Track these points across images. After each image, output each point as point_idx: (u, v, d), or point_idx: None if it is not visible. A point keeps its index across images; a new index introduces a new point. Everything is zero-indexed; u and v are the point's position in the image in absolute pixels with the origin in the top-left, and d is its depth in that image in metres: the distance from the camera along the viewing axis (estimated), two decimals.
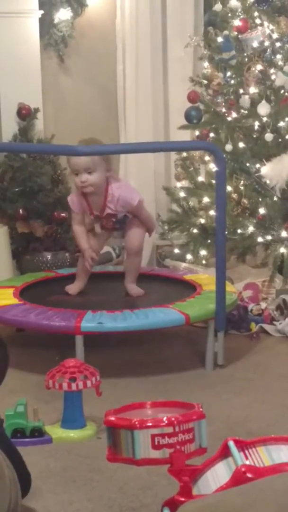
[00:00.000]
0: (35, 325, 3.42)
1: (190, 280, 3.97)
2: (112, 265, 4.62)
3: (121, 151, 3.50)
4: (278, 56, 4.28)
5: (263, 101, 4.20)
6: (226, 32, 4.42)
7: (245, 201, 4.36)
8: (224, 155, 4.03)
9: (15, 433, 2.76)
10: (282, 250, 4.18)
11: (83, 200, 3.70)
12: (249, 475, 1.83)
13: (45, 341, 3.77)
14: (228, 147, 4.32)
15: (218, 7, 4.55)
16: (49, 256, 4.64)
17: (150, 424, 1.98)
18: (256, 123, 4.32)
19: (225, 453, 2.00)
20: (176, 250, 4.73)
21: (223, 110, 4.46)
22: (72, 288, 3.82)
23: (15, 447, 2.16)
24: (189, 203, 4.72)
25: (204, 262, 4.53)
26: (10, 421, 2.76)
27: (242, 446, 1.99)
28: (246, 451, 1.97)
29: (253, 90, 4.27)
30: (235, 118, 4.39)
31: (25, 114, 4.75)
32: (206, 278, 3.96)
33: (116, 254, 4.91)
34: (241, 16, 4.41)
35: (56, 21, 4.95)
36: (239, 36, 4.37)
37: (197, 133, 4.69)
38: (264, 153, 4.29)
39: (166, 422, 1.97)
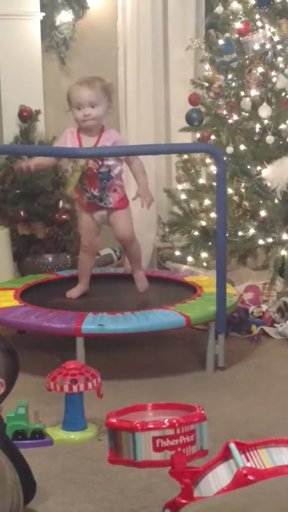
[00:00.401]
0: (36, 327, 3.42)
1: (190, 282, 3.97)
2: (113, 267, 4.62)
3: (121, 153, 3.49)
4: (279, 59, 4.29)
5: (264, 104, 4.20)
6: (227, 34, 4.43)
7: (246, 203, 4.36)
8: (225, 158, 4.04)
9: (16, 435, 2.76)
10: (283, 252, 4.18)
11: (75, 139, 3.64)
12: (250, 477, 1.83)
13: (46, 343, 3.77)
14: (229, 149, 4.32)
15: (219, 9, 4.55)
16: (50, 258, 4.64)
17: (151, 426, 1.98)
18: (257, 126, 4.32)
19: (226, 455, 2.00)
20: (177, 252, 4.73)
21: (224, 112, 4.46)
22: (74, 292, 3.79)
23: (21, 454, 2.15)
24: (190, 205, 4.72)
25: (205, 264, 4.53)
26: (11, 423, 2.76)
27: (244, 448, 1.99)
28: (247, 454, 1.97)
29: (254, 92, 4.27)
30: (236, 121, 4.40)
31: (26, 116, 4.75)
32: (206, 280, 3.96)
33: (117, 256, 4.91)
34: (242, 19, 4.41)
35: (57, 23, 4.95)
36: (240, 38, 4.37)
37: (198, 135, 4.70)
38: (265, 155, 4.29)
39: (168, 424, 1.98)
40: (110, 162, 3.61)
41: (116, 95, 5.14)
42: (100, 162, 3.61)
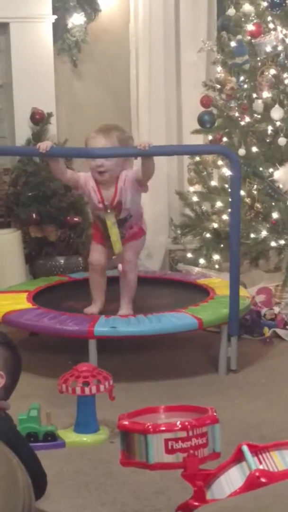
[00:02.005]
0: (49, 330, 3.43)
1: (203, 285, 3.96)
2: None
3: (134, 154, 3.48)
4: None
5: (277, 106, 4.19)
6: (239, 36, 4.42)
7: (258, 205, 4.35)
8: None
9: (28, 437, 2.76)
10: None
11: (92, 181, 3.54)
12: (263, 479, 1.83)
13: (58, 345, 3.77)
14: (241, 151, 4.31)
15: (231, 11, 4.54)
16: (62, 261, 4.65)
17: (163, 428, 1.98)
18: (269, 128, 4.31)
19: (238, 457, 2.00)
20: (189, 255, 4.72)
21: (236, 114, 4.45)
22: (92, 309, 3.64)
23: (31, 448, 2.16)
24: (202, 207, 4.71)
25: (217, 266, 4.52)
26: (23, 425, 2.77)
27: (256, 450, 1.99)
28: (260, 456, 1.97)
29: (266, 94, 4.26)
30: (248, 123, 4.39)
31: (39, 119, 4.76)
32: (219, 282, 3.96)
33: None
34: (254, 21, 4.40)
35: (69, 26, 4.96)
36: (252, 40, 4.36)
37: (210, 137, 4.69)
38: (277, 157, 4.28)
39: (180, 426, 1.98)
40: (128, 203, 3.56)
41: (128, 97, 5.16)
42: (120, 212, 3.57)
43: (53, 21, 4.84)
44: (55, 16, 4.85)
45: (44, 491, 2.22)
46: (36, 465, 2.16)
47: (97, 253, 3.69)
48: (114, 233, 3.58)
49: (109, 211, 3.56)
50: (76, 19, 4.97)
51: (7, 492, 1.74)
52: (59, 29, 4.94)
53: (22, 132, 4.77)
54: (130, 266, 3.68)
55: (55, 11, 4.84)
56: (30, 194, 4.62)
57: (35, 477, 2.08)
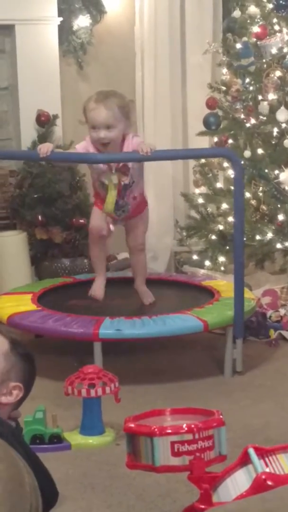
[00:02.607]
0: (53, 332, 3.42)
1: (208, 287, 3.96)
2: (130, 271, 4.61)
3: (138, 158, 3.48)
4: None
5: (282, 107, 4.19)
6: (245, 38, 4.42)
7: (263, 207, 4.35)
8: (243, 162, 4.03)
9: (34, 439, 2.76)
10: None
11: (93, 148, 3.50)
12: (269, 482, 1.82)
13: (63, 347, 3.77)
14: (247, 153, 4.31)
15: (237, 13, 4.55)
16: (67, 262, 4.65)
17: (169, 431, 1.97)
18: (275, 130, 4.31)
19: (245, 460, 1.99)
20: (195, 257, 4.72)
21: (242, 116, 4.45)
22: (97, 290, 3.67)
23: (41, 462, 2.15)
24: (208, 209, 4.71)
25: (222, 268, 4.52)
26: (29, 427, 2.77)
27: (262, 453, 1.98)
28: (266, 459, 1.96)
29: (272, 96, 4.26)
30: (253, 125, 4.39)
31: (44, 121, 4.76)
32: (224, 284, 3.95)
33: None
34: (260, 23, 4.40)
35: (75, 28, 4.96)
36: (258, 42, 4.36)
37: (215, 139, 4.69)
38: (282, 159, 4.28)
39: (186, 429, 1.97)
40: (133, 168, 3.52)
41: (134, 99, 5.15)
42: (128, 174, 3.53)
43: (59, 23, 4.85)
44: (61, 18, 4.85)
45: (52, 506, 2.19)
46: (44, 480, 2.14)
47: (97, 220, 3.68)
48: (112, 195, 3.53)
49: (113, 171, 3.50)
50: (82, 21, 4.98)
51: (14, 495, 1.74)
52: (65, 31, 4.95)
53: (28, 134, 4.77)
54: (141, 247, 3.73)
55: (60, 13, 4.85)
56: (35, 196, 4.62)
57: (46, 492, 2.06)
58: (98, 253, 3.75)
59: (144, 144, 3.42)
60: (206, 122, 4.57)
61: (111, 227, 3.70)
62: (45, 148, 3.41)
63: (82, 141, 3.57)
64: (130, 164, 3.51)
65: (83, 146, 3.55)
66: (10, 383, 2.21)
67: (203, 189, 4.79)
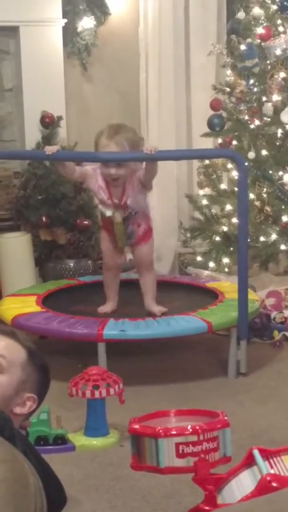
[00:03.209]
0: (58, 333, 3.43)
1: (212, 288, 3.96)
2: (135, 273, 4.62)
3: (142, 158, 3.48)
4: None
5: (286, 109, 4.19)
6: (249, 39, 4.42)
7: (268, 208, 4.34)
8: (247, 163, 4.03)
9: (38, 440, 2.76)
10: None
11: (101, 178, 3.53)
12: (274, 484, 1.82)
13: (67, 348, 3.77)
14: (251, 154, 4.31)
15: (241, 15, 4.54)
16: (71, 264, 4.65)
17: (174, 432, 1.98)
18: (279, 131, 4.31)
19: (249, 461, 1.99)
20: (199, 258, 4.72)
21: (246, 117, 4.45)
22: (105, 309, 3.68)
23: (51, 469, 2.15)
24: (212, 210, 4.71)
25: (226, 270, 4.51)
26: (33, 428, 2.76)
27: (267, 454, 1.98)
28: (271, 460, 1.96)
29: (276, 97, 4.26)
30: (258, 126, 4.38)
31: (48, 122, 4.76)
32: (228, 286, 3.95)
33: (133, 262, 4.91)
34: (264, 24, 4.40)
35: (79, 29, 4.96)
36: (262, 43, 4.36)
37: (219, 140, 4.69)
38: (287, 160, 4.28)
39: (191, 430, 1.97)
40: (134, 204, 3.54)
41: (138, 101, 5.16)
42: (125, 210, 3.56)
43: (63, 24, 4.84)
44: (65, 20, 4.85)
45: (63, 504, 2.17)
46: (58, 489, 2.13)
47: (110, 252, 3.71)
48: (120, 229, 3.58)
49: (115, 212, 3.55)
50: (86, 23, 4.98)
51: (18, 496, 1.74)
52: (69, 33, 4.95)
53: (32, 135, 4.77)
54: (148, 267, 3.71)
55: (65, 14, 4.85)
56: (39, 197, 4.62)
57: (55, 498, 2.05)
58: (112, 280, 3.74)
59: (151, 145, 3.46)
60: (210, 124, 4.57)
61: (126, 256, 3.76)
62: (51, 149, 3.47)
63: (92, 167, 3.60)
64: (129, 202, 3.53)
65: (92, 171, 3.57)
66: (25, 394, 2.20)
67: (207, 191, 4.78)
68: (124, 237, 3.63)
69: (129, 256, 4.63)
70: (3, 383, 2.15)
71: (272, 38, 4.33)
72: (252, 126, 4.41)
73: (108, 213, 3.58)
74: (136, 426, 2.05)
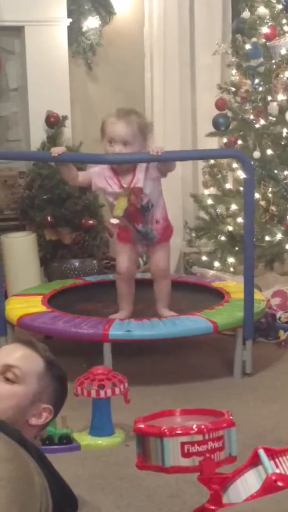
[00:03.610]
0: (63, 333, 3.43)
1: (218, 288, 3.96)
2: (140, 273, 4.62)
3: (147, 159, 3.47)
4: None
5: None
6: (254, 39, 4.41)
7: (273, 208, 4.34)
8: (252, 162, 4.02)
9: (43, 440, 2.76)
10: None
11: (108, 171, 3.50)
12: (280, 483, 1.82)
13: (73, 348, 3.77)
14: (256, 154, 4.30)
15: (246, 14, 4.54)
16: (77, 263, 4.65)
17: (179, 431, 1.97)
18: (284, 130, 4.30)
19: (255, 461, 1.99)
20: (204, 258, 4.71)
21: (251, 117, 4.44)
22: (117, 317, 3.59)
23: (62, 479, 2.14)
24: (217, 210, 4.70)
25: (232, 269, 4.51)
26: None
27: (272, 454, 1.98)
28: (277, 460, 1.96)
29: (281, 97, 4.25)
30: (263, 125, 4.38)
31: (54, 122, 4.76)
32: (234, 285, 3.95)
33: (143, 262, 4.91)
34: (269, 23, 4.40)
35: (84, 29, 4.97)
36: (267, 43, 4.36)
37: (225, 140, 4.68)
38: None
39: (196, 430, 1.97)
40: (148, 190, 3.50)
41: (143, 100, 5.15)
42: (142, 196, 3.50)
43: (68, 24, 4.85)
44: (70, 20, 4.85)
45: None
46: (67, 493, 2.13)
47: (125, 261, 3.65)
48: (122, 201, 3.48)
49: (125, 190, 3.48)
50: (91, 22, 4.98)
51: (23, 495, 1.74)
52: (74, 32, 4.95)
53: (37, 135, 4.78)
54: (164, 274, 3.68)
55: (70, 14, 4.85)
56: (45, 197, 4.63)
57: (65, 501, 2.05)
58: (127, 290, 3.67)
59: (158, 145, 3.44)
60: (215, 123, 4.56)
61: (140, 262, 3.69)
62: (57, 150, 3.45)
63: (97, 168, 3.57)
64: (143, 186, 3.48)
65: (97, 171, 3.54)
66: (41, 405, 2.19)
67: (212, 190, 4.78)
68: (126, 211, 3.49)
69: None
70: (19, 393, 2.14)
71: (277, 38, 4.33)
72: (257, 126, 4.40)
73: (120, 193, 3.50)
74: (142, 426, 2.05)
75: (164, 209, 3.64)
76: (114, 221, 3.51)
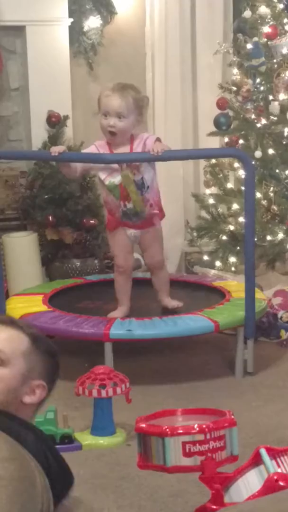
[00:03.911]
0: (64, 332, 3.43)
1: (219, 287, 3.96)
2: (141, 272, 4.62)
3: (148, 159, 3.48)
4: None
5: None
6: (255, 38, 4.41)
7: (274, 207, 4.33)
8: (253, 162, 4.02)
9: None
10: None
11: (107, 150, 3.50)
12: (281, 483, 1.82)
13: (74, 348, 3.77)
14: (258, 153, 4.30)
15: (247, 13, 4.53)
16: (78, 263, 4.65)
17: (181, 431, 1.97)
18: (286, 130, 4.29)
19: (256, 461, 1.99)
20: (205, 257, 4.71)
21: (253, 116, 4.44)
22: (116, 315, 3.57)
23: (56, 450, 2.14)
24: (218, 209, 4.70)
25: (233, 269, 4.50)
26: (40, 427, 2.76)
27: (274, 453, 1.98)
28: (278, 459, 1.96)
29: (282, 96, 4.25)
30: (264, 125, 4.37)
31: (55, 122, 4.76)
32: (235, 285, 3.95)
33: (144, 261, 4.90)
34: (271, 23, 4.39)
35: (85, 29, 4.96)
36: (269, 42, 4.35)
37: (226, 139, 4.68)
38: None
39: (197, 429, 1.97)
40: (143, 167, 3.50)
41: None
42: (135, 171, 3.49)
43: (69, 24, 4.84)
44: (71, 19, 4.85)
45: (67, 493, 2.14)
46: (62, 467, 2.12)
47: (124, 254, 3.66)
48: (133, 191, 3.50)
49: (124, 169, 3.48)
50: (92, 22, 4.98)
51: (24, 495, 1.74)
52: (75, 32, 4.95)
53: (39, 135, 4.77)
54: (160, 265, 3.69)
55: (71, 14, 4.85)
56: (46, 196, 4.63)
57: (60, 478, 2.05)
58: (125, 284, 3.66)
59: (160, 144, 3.43)
60: (216, 123, 4.56)
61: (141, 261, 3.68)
62: (57, 149, 3.46)
63: (91, 145, 3.58)
64: (138, 164, 3.49)
65: (91, 149, 3.55)
66: (32, 382, 2.18)
67: (213, 190, 4.78)
68: (139, 197, 3.50)
69: (135, 255, 4.63)
70: (7, 376, 2.13)
71: (278, 37, 4.32)
72: (258, 125, 4.40)
73: (117, 180, 3.50)
74: (143, 425, 2.05)
75: (157, 194, 3.62)
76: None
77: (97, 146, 3.54)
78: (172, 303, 3.67)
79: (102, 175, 3.55)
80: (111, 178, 3.53)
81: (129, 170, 3.49)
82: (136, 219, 3.57)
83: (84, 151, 3.58)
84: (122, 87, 3.48)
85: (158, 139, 3.50)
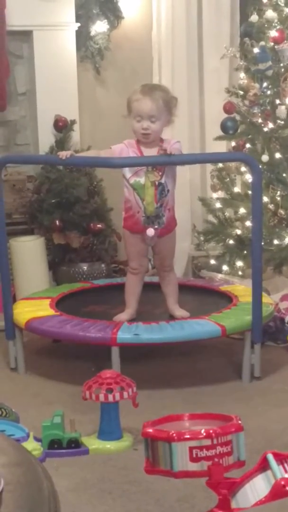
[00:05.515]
0: (71, 336, 3.43)
1: (226, 291, 3.95)
2: (148, 276, 4.62)
3: (155, 163, 3.48)
4: None
5: None
6: (262, 42, 4.41)
7: (281, 211, 4.33)
8: (260, 166, 4.02)
9: (52, 444, 2.77)
10: None
11: (136, 149, 3.54)
12: None
13: (81, 352, 3.78)
14: (265, 157, 4.30)
15: (254, 18, 4.53)
16: (85, 267, 4.66)
17: (188, 436, 1.97)
18: None
19: (263, 466, 1.98)
20: (212, 261, 4.71)
21: (259, 120, 4.44)
22: (123, 317, 3.59)
23: None
24: (225, 214, 4.70)
25: (240, 273, 4.50)
26: (47, 432, 2.77)
27: (281, 459, 1.97)
28: (285, 464, 1.95)
29: None
30: (271, 129, 4.37)
31: (62, 126, 4.77)
32: (242, 289, 3.94)
33: (151, 265, 4.90)
34: (278, 27, 4.39)
35: (92, 33, 4.97)
36: (276, 46, 4.35)
37: (233, 143, 4.68)
38: None
39: (204, 434, 1.96)
40: (168, 170, 3.53)
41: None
42: (160, 173, 3.52)
43: (76, 28, 4.85)
44: (78, 24, 4.86)
45: None
46: None
47: (139, 257, 3.66)
48: (150, 194, 3.51)
49: (150, 169, 3.51)
50: (99, 27, 4.98)
51: (31, 500, 1.74)
52: (82, 37, 4.95)
53: (46, 139, 4.78)
54: (169, 268, 3.70)
55: (78, 18, 4.86)
56: (53, 201, 4.63)
57: None
58: (136, 285, 3.66)
59: (176, 148, 3.46)
60: (223, 127, 4.56)
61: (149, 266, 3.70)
62: (64, 153, 3.49)
63: (120, 143, 3.59)
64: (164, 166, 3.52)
65: (120, 147, 3.57)
66: None
67: (220, 194, 4.77)
68: (154, 203, 3.52)
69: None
70: None
71: (285, 41, 4.32)
72: (265, 129, 4.40)
73: (142, 180, 3.52)
74: (150, 430, 2.05)
75: (173, 200, 3.64)
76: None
77: (126, 145, 3.58)
78: (179, 312, 3.63)
79: (128, 174, 3.56)
80: (137, 177, 3.54)
81: (154, 171, 3.52)
82: (158, 226, 3.57)
83: (113, 147, 3.59)
84: (151, 90, 3.54)
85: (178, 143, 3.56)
